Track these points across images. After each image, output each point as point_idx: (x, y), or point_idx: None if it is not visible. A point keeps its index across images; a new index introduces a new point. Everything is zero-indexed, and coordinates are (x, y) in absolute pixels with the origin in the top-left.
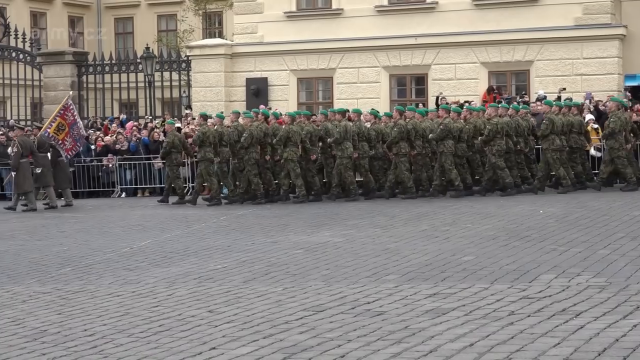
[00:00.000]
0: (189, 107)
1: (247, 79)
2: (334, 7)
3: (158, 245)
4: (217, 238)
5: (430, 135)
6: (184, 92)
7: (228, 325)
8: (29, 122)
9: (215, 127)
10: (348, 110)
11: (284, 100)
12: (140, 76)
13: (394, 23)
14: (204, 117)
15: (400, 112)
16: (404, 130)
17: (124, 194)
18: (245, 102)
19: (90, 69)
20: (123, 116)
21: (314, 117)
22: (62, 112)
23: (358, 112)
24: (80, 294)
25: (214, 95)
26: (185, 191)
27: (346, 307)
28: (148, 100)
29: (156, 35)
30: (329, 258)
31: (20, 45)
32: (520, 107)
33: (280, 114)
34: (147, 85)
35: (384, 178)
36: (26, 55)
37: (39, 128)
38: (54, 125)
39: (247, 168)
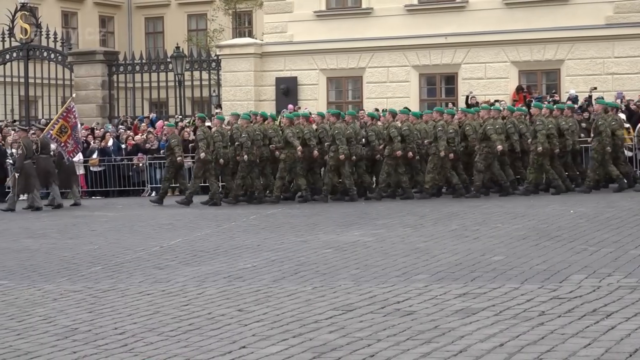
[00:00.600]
0: (219, 106)
1: (276, 78)
2: (363, 6)
3: (188, 244)
4: (246, 237)
5: (426, 141)
6: (214, 91)
7: (258, 324)
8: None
9: (215, 128)
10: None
11: (314, 100)
12: (171, 75)
13: (423, 22)
14: (202, 119)
15: (393, 114)
16: (398, 133)
17: (154, 193)
18: (274, 102)
19: (121, 69)
20: (153, 115)
21: (312, 117)
22: (65, 114)
23: (352, 115)
24: (111, 293)
25: (243, 94)
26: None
27: (376, 306)
28: (178, 99)
29: (186, 35)
30: (358, 257)
31: (51, 45)
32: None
33: (310, 114)
34: (177, 84)
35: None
36: (57, 54)
37: (42, 129)
38: (57, 127)
39: (240, 168)
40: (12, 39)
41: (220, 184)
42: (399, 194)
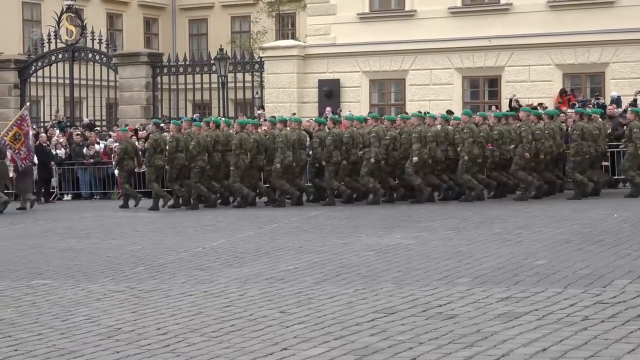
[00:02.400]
0: (262, 107)
1: (319, 80)
2: (407, 8)
3: (230, 246)
4: (288, 239)
5: (414, 145)
6: (257, 93)
7: (299, 326)
8: (103, 123)
9: (172, 133)
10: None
11: (356, 102)
12: (214, 77)
13: (467, 24)
14: (158, 125)
15: (375, 119)
16: (337, 139)
17: None
18: (317, 104)
19: (165, 70)
20: (196, 116)
21: (263, 124)
22: (19, 122)
23: (298, 121)
24: (154, 293)
25: (286, 96)
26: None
27: (418, 309)
28: (221, 101)
29: (230, 37)
30: (400, 260)
31: (96, 47)
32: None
33: (338, 119)
34: (220, 86)
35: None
36: (102, 56)
37: None
38: (11, 134)
39: (192, 176)
40: (58, 40)
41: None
42: (324, 202)
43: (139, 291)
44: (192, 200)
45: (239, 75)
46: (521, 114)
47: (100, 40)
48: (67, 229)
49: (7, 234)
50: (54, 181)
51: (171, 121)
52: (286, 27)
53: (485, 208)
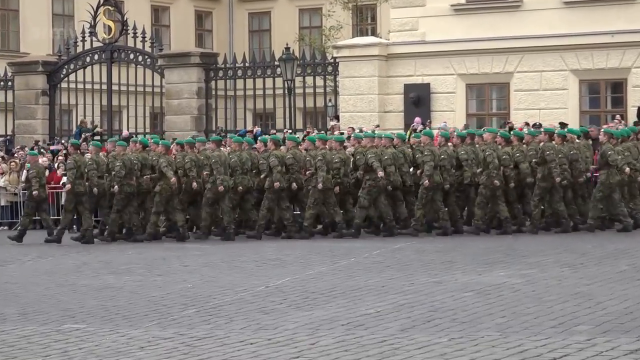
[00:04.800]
0: (336, 118)
1: (405, 85)
2: None
3: (299, 284)
4: (369, 276)
5: (307, 172)
6: (330, 100)
7: None
8: (147, 136)
9: (90, 155)
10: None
11: (450, 111)
12: (279, 82)
13: (585, 17)
14: (76, 146)
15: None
16: (279, 162)
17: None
18: (402, 113)
19: (220, 73)
20: (257, 129)
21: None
22: None
23: (238, 142)
24: (207, 341)
25: (365, 104)
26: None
27: None
28: (287, 110)
29: (297, 34)
30: (505, 303)
31: (139, 46)
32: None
33: (354, 134)
34: (286, 92)
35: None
36: (146, 57)
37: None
38: None
39: (115, 203)
40: (94, 38)
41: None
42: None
43: (189, 338)
44: (127, 230)
45: (309, 80)
46: (486, 136)
47: (143, 38)
48: (104, 263)
49: (33, 269)
50: None
51: (160, 141)
52: (365, 21)
53: (608, 241)
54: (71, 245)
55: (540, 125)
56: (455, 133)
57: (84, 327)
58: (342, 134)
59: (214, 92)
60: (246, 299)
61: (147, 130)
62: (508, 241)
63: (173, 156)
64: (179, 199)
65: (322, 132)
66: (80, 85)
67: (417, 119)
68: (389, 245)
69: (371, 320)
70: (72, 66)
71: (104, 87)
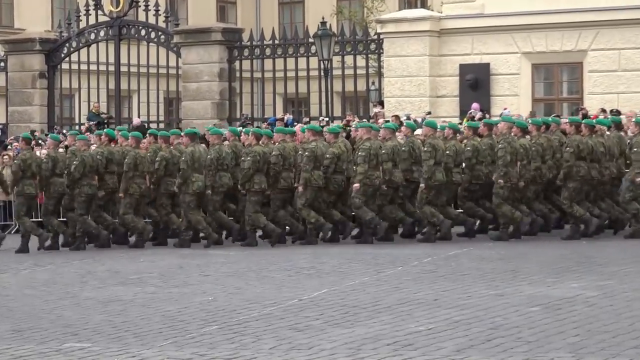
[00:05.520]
0: (380, 103)
1: (461, 65)
2: None
3: (337, 296)
4: (418, 288)
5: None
6: (373, 83)
7: None
8: (161, 125)
9: (47, 151)
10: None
11: (513, 96)
12: (313, 62)
13: None
14: (28, 140)
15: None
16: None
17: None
18: (457, 98)
19: (245, 52)
20: (288, 116)
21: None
22: None
23: (216, 133)
24: None
25: (414, 88)
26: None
27: None
28: (323, 95)
29: (335, 6)
30: (578, 319)
31: (151, 21)
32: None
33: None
34: (322, 74)
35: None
36: (159, 33)
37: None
38: None
39: (76, 206)
40: (100, 12)
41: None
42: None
43: (210, 359)
44: (76, 238)
45: (348, 59)
46: (500, 126)
47: (156, 11)
48: (112, 272)
49: (30, 279)
50: None
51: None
52: None
53: None
54: (73, 252)
55: (618, 112)
56: (465, 124)
57: (89, 347)
58: (387, 121)
59: (238, 74)
60: (276, 314)
61: (161, 118)
62: (582, 247)
63: (145, 150)
64: (160, 203)
65: (364, 120)
66: (83, 67)
67: (475, 105)
68: (442, 252)
69: (422, 339)
70: (74, 44)
71: (111, 68)
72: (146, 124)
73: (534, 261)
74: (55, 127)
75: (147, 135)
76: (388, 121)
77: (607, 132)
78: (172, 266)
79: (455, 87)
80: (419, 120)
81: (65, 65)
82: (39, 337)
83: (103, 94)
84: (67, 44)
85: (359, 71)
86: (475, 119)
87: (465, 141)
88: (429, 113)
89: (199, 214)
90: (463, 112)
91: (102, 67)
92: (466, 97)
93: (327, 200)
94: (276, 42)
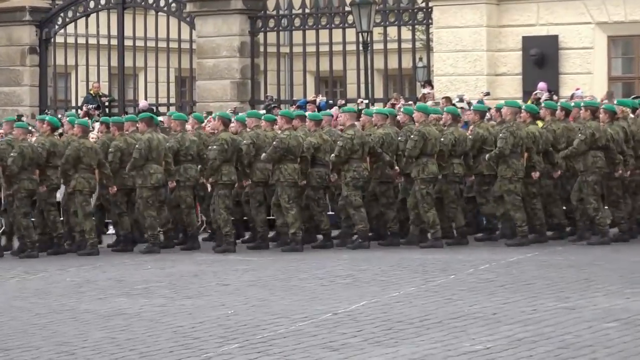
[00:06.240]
0: (429, 84)
1: (524, 38)
2: None
3: (378, 310)
4: (474, 300)
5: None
6: (421, 59)
7: None
8: (172, 108)
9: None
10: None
11: (586, 74)
12: (351, 34)
13: None
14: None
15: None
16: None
17: None
18: (520, 76)
19: (271, 23)
20: (321, 98)
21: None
22: None
23: (179, 119)
24: None
25: (469, 64)
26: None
27: None
28: (362, 73)
29: None
30: None
31: None
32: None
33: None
34: (361, 48)
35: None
36: (170, 1)
37: None
38: None
39: (16, 204)
40: None
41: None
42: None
43: None
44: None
45: (392, 31)
46: (504, 111)
47: None
48: (115, 281)
49: (18, 289)
50: None
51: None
52: None
53: None
54: (70, 257)
55: None
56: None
57: None
58: (437, 104)
59: (262, 49)
60: (307, 330)
61: (172, 100)
62: None
63: (94, 139)
64: (114, 201)
65: (410, 102)
66: (81, 40)
67: (542, 85)
68: (502, 258)
69: (479, 359)
70: (70, 14)
71: (114, 42)
72: (154, 108)
73: (610, 269)
74: (47, 110)
75: (100, 123)
76: (438, 103)
77: (632, 116)
78: (184, 274)
79: (517, 64)
80: (474, 103)
81: (59, 39)
82: (29, 357)
83: (104, 72)
84: (62, 14)
85: (403, 45)
86: (541, 100)
87: (471, 128)
88: (487, 94)
89: (155, 213)
90: (527, 92)
91: (103, 41)
92: (531, 75)
93: (314, 198)
94: (307, 11)
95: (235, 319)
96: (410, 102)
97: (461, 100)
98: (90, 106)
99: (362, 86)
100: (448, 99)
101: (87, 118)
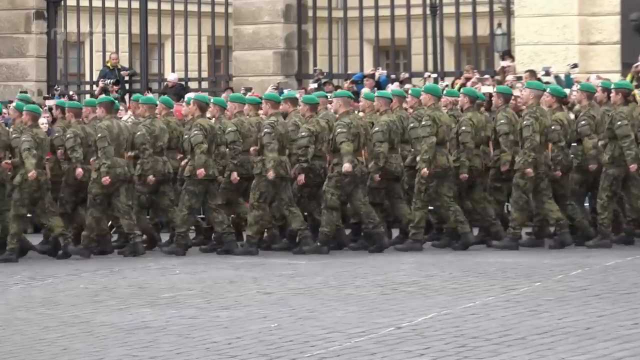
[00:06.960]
0: (508, 55)
1: (622, 0)
2: None
3: (449, 323)
4: (563, 311)
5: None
6: (499, 25)
7: None
8: (204, 84)
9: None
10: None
11: None
12: None
13: None
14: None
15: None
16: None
17: None
18: (619, 46)
19: None
20: (381, 72)
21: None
22: None
23: (148, 103)
24: None
25: (558, 32)
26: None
27: None
28: (430, 41)
29: None
30: None
31: None
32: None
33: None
34: (428, 13)
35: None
36: None
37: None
38: None
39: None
40: None
41: None
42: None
43: None
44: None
45: None
46: (525, 93)
47: None
48: (136, 288)
49: (23, 298)
50: None
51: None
52: None
53: None
54: (82, 261)
55: None
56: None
57: None
58: (519, 78)
59: (311, 14)
60: (365, 347)
61: (204, 74)
62: None
63: (45, 127)
64: (61, 198)
65: (486, 75)
66: (97, 4)
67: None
68: (597, 262)
69: None
70: None
71: (135, 5)
72: (184, 83)
73: None
74: (56, 87)
75: (55, 107)
76: (520, 78)
77: None
78: (219, 280)
79: (615, 31)
80: (562, 77)
81: (71, 2)
82: None
83: (123, 41)
84: None
85: (479, 8)
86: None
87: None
88: (575, 66)
89: (102, 213)
90: (626, 64)
91: (123, 4)
92: (631, 44)
93: (304, 195)
94: None
95: (279, 333)
96: (486, 76)
97: (547, 73)
98: (108, 81)
99: (430, 57)
100: (532, 73)
101: (103, 94)
